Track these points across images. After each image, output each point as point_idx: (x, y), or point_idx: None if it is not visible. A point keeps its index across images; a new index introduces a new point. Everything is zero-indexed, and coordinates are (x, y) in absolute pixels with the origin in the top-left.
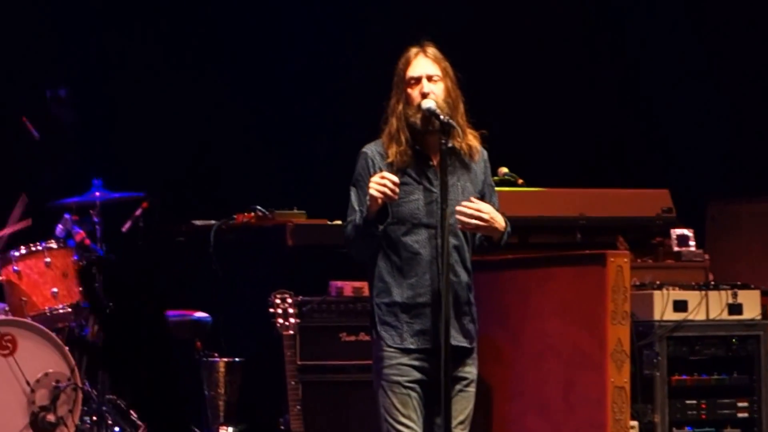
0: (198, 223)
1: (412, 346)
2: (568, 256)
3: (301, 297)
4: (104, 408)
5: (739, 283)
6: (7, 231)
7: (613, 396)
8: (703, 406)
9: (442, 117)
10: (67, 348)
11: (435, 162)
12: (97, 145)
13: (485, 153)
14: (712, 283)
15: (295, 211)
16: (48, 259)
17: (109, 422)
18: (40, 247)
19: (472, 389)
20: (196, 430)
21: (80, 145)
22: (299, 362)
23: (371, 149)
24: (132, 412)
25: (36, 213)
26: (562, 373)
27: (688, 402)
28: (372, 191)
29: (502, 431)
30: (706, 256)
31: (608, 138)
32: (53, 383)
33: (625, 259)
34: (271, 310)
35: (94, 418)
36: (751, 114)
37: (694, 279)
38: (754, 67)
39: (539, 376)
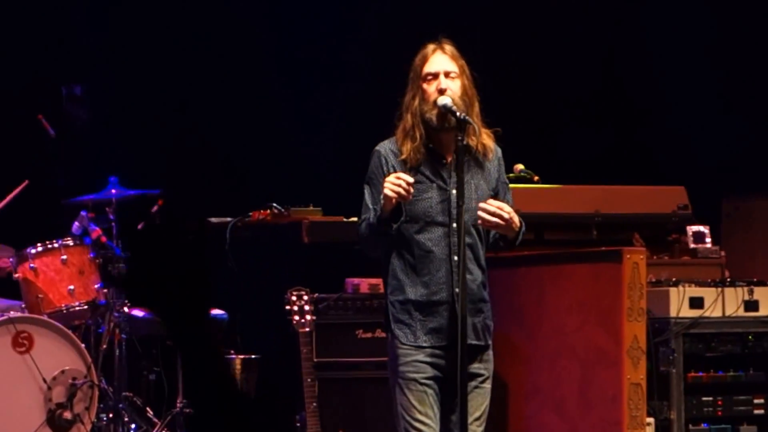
0: (214, 220)
1: (425, 344)
2: (584, 253)
3: (317, 294)
4: (120, 405)
5: (755, 279)
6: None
7: (630, 393)
8: (719, 402)
9: (458, 114)
10: (83, 345)
11: (448, 160)
12: (113, 143)
13: (499, 151)
14: (728, 279)
15: (311, 208)
16: (64, 257)
17: (126, 419)
18: (56, 245)
19: (487, 386)
20: None
21: (96, 142)
22: (315, 359)
23: (384, 147)
24: (148, 409)
25: (51, 210)
26: (578, 370)
27: (704, 399)
28: (386, 191)
29: (519, 428)
30: (722, 253)
31: (624, 135)
32: (70, 380)
33: (641, 256)
34: (287, 307)
35: (111, 415)
36: None
37: (710, 276)
38: None
39: (555, 373)
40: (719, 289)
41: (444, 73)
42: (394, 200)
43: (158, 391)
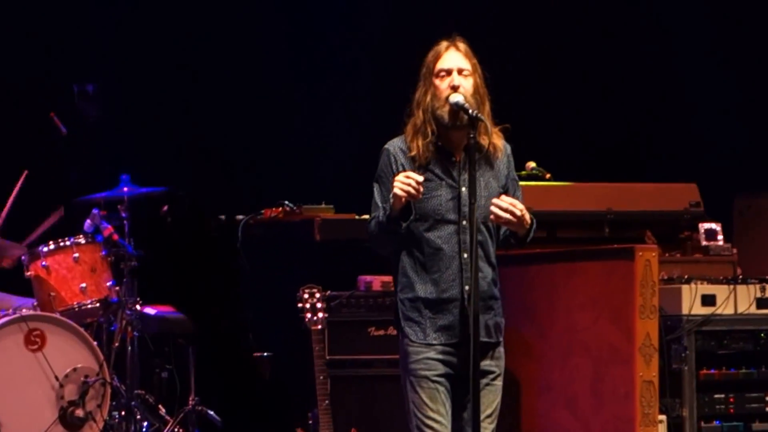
0: (225, 218)
1: (435, 342)
2: (596, 250)
3: (329, 292)
4: (133, 403)
5: (767, 277)
6: (38, 231)
7: (642, 390)
8: (731, 400)
9: (471, 111)
10: (95, 343)
11: (458, 158)
12: (124, 140)
13: (508, 148)
14: (740, 277)
15: (323, 205)
16: (76, 255)
17: (138, 417)
18: (68, 243)
19: (499, 383)
20: None
21: (108, 140)
22: (328, 357)
23: (393, 146)
24: (160, 407)
25: (64, 208)
26: (590, 367)
27: (716, 396)
28: (396, 190)
29: (531, 425)
30: (734, 250)
31: (636, 132)
32: (82, 378)
33: (654, 254)
34: (300, 304)
35: (123, 413)
36: None
37: (722, 273)
38: None
39: (568, 371)
40: (731, 286)
41: (457, 70)
42: (403, 199)
43: (170, 388)
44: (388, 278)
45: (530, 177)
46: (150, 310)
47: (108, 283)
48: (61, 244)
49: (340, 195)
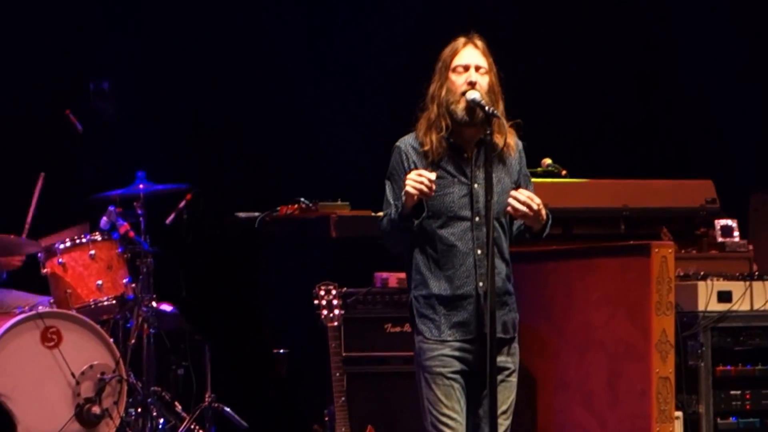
0: (242, 215)
1: (450, 338)
2: (613, 247)
3: (345, 288)
4: (149, 400)
5: None
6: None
7: (658, 387)
8: (748, 396)
9: (487, 108)
10: (111, 340)
11: (470, 155)
12: (140, 137)
13: (520, 144)
14: (756, 273)
15: (339, 202)
16: (93, 252)
17: (154, 414)
18: (84, 240)
19: (513, 379)
20: None
21: (124, 137)
22: (344, 354)
23: (405, 143)
24: (176, 404)
25: (80, 205)
26: (606, 364)
27: (732, 392)
28: (408, 188)
29: (547, 422)
30: (750, 247)
31: (652, 129)
32: (98, 375)
33: (670, 250)
34: (316, 301)
35: (139, 409)
36: None
37: (738, 269)
38: None
39: (584, 367)
40: (747, 282)
41: (475, 67)
42: (415, 197)
43: (187, 385)
44: (404, 275)
45: (546, 174)
46: (166, 307)
47: (124, 280)
48: (78, 241)
49: (356, 192)
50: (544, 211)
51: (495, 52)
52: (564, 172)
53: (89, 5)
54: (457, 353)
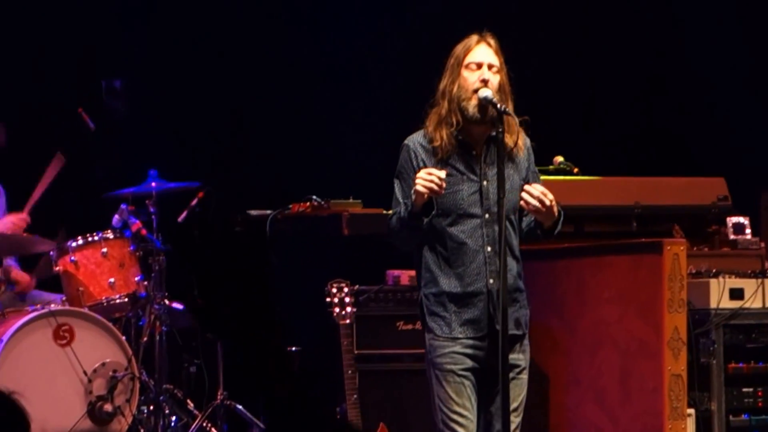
0: (254, 212)
1: (461, 336)
2: (624, 244)
3: (357, 286)
4: (161, 398)
5: None
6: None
7: (670, 384)
8: (760, 393)
9: (499, 106)
10: (124, 338)
11: (478, 152)
12: (152, 136)
13: (528, 140)
14: None
15: (351, 200)
16: (105, 250)
17: (166, 412)
18: (96, 238)
19: (524, 376)
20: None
21: (136, 135)
22: (356, 351)
23: (413, 141)
24: (189, 401)
25: (93, 203)
26: (618, 361)
27: (744, 390)
28: (418, 187)
29: (559, 420)
30: (762, 244)
31: (663, 126)
32: (110, 373)
33: (682, 247)
34: (328, 299)
35: (151, 407)
36: None
37: (751, 267)
38: None
39: (596, 365)
40: (759, 280)
41: (488, 65)
42: (425, 195)
43: (199, 383)
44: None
45: (558, 171)
46: (178, 305)
47: (136, 278)
48: (90, 239)
49: (368, 189)
50: (556, 208)
51: (506, 49)
52: (576, 170)
53: (101, 3)
54: (467, 350)
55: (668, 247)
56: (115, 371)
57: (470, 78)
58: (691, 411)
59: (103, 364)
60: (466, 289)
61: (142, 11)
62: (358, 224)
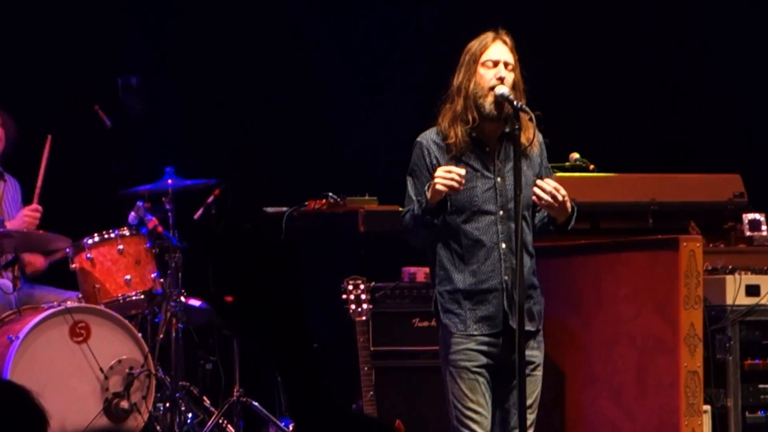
0: (270, 210)
1: (476, 332)
2: (641, 240)
3: (373, 283)
4: (177, 394)
5: None
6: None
7: (687, 380)
8: None
9: (516, 103)
10: (140, 335)
11: (491, 149)
12: (169, 133)
13: (540, 137)
14: None
15: (367, 197)
16: (121, 247)
17: (182, 408)
18: (113, 235)
19: (538, 373)
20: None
21: (152, 132)
22: (372, 348)
23: (426, 138)
24: (205, 398)
25: (108, 201)
26: (635, 358)
27: (761, 386)
28: (438, 185)
29: (576, 416)
30: None
31: (679, 122)
32: (127, 370)
33: (698, 244)
34: (344, 296)
35: (168, 404)
36: None
37: (766, 263)
38: None
39: (612, 361)
40: None
41: (504, 62)
42: (444, 193)
43: (215, 380)
44: None
45: (574, 168)
46: (194, 302)
47: (152, 275)
48: (106, 236)
49: (384, 186)
50: (569, 203)
51: (522, 45)
52: (592, 167)
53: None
54: (482, 347)
55: (684, 244)
56: (131, 368)
57: (486, 75)
58: (707, 407)
59: (120, 361)
60: (480, 286)
61: (158, 7)
62: (374, 221)
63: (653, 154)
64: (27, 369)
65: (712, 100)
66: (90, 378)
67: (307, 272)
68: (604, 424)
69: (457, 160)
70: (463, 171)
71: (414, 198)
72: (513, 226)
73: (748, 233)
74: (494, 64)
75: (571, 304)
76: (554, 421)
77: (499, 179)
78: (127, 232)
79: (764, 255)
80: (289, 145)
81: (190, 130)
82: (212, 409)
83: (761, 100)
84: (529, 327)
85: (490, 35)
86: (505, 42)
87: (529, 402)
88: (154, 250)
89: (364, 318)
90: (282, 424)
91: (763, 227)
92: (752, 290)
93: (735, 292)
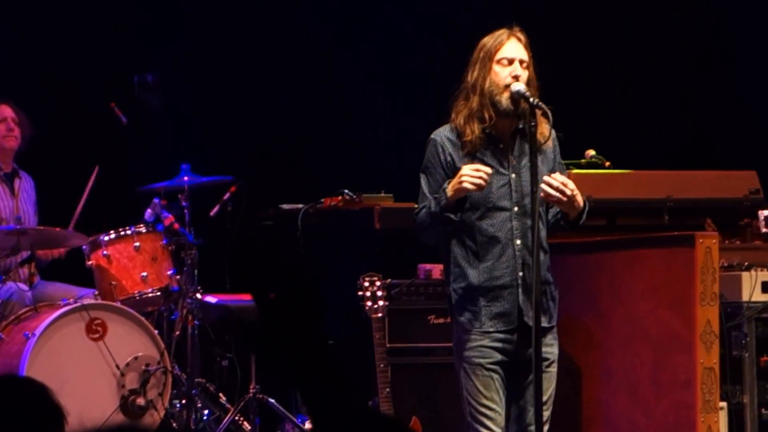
0: (285, 207)
1: (491, 329)
2: (657, 237)
3: (389, 280)
4: (194, 391)
5: None
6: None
7: (703, 377)
8: None
9: (532, 100)
10: (156, 332)
11: (504, 145)
12: (185, 130)
13: (554, 132)
14: None
15: (383, 194)
16: (137, 244)
17: (199, 405)
18: (129, 232)
19: (553, 369)
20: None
21: (168, 129)
22: (388, 345)
23: (440, 135)
24: (221, 395)
25: (124, 197)
26: (651, 354)
27: None
28: (465, 184)
29: (592, 413)
30: None
31: (695, 119)
32: (143, 367)
33: (714, 241)
34: (360, 293)
35: (184, 401)
36: None
37: None
38: None
39: (629, 358)
40: None
41: (519, 60)
42: (469, 191)
43: (231, 377)
44: None
45: (590, 165)
46: (210, 299)
47: (169, 272)
48: (122, 233)
49: (400, 184)
50: (579, 198)
51: (536, 41)
52: (608, 164)
53: None
54: (496, 344)
55: (700, 241)
56: (147, 365)
57: (502, 73)
58: (724, 404)
59: (136, 358)
60: (495, 282)
61: (176, 5)
62: (390, 218)
63: (669, 151)
64: (43, 366)
65: (728, 96)
66: (106, 375)
67: (323, 269)
68: (621, 420)
69: (471, 157)
70: (489, 170)
71: (428, 195)
72: (528, 222)
73: (764, 230)
74: (509, 62)
75: (587, 301)
76: (570, 418)
77: (513, 175)
78: (143, 229)
79: None
80: (305, 143)
81: (207, 127)
82: (228, 405)
83: None
84: (543, 323)
85: (504, 32)
86: (519, 39)
87: (544, 398)
88: (170, 247)
89: (380, 315)
90: (298, 421)
91: None
92: None
93: (751, 288)
